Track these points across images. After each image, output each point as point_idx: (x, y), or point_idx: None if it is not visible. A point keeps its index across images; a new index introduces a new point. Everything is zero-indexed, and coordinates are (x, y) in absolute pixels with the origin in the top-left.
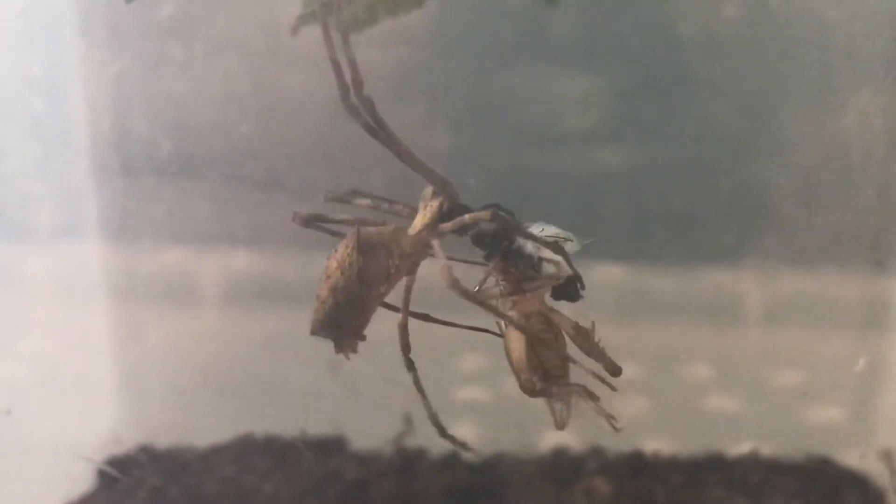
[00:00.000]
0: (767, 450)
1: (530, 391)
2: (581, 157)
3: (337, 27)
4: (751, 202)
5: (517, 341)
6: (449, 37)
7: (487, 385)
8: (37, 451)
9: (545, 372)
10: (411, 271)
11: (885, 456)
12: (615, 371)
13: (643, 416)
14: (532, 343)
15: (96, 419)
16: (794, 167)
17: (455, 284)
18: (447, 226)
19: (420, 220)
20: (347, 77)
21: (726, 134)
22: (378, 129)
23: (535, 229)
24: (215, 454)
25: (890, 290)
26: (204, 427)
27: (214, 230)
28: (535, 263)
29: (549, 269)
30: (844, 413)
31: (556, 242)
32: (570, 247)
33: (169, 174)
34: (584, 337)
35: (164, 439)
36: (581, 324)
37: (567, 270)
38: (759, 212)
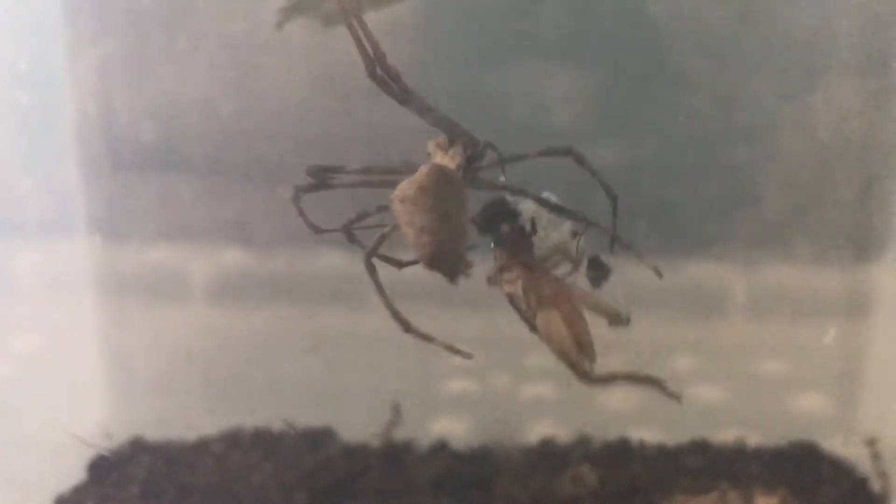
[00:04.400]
0: (752, 438)
1: (589, 380)
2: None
3: (322, 19)
4: (734, 194)
5: (557, 325)
6: (436, 32)
7: (476, 378)
8: (28, 446)
9: (584, 349)
10: None
11: (870, 443)
12: (623, 320)
13: (629, 406)
14: (569, 322)
15: (87, 414)
16: (776, 160)
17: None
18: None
19: (451, 163)
20: (370, 52)
21: (709, 127)
22: (406, 96)
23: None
24: (204, 447)
25: (871, 280)
26: (193, 420)
27: (203, 225)
28: (531, 233)
29: (552, 237)
30: (828, 401)
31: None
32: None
33: (157, 169)
34: (600, 302)
35: (153, 433)
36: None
37: (572, 246)
38: (742, 204)
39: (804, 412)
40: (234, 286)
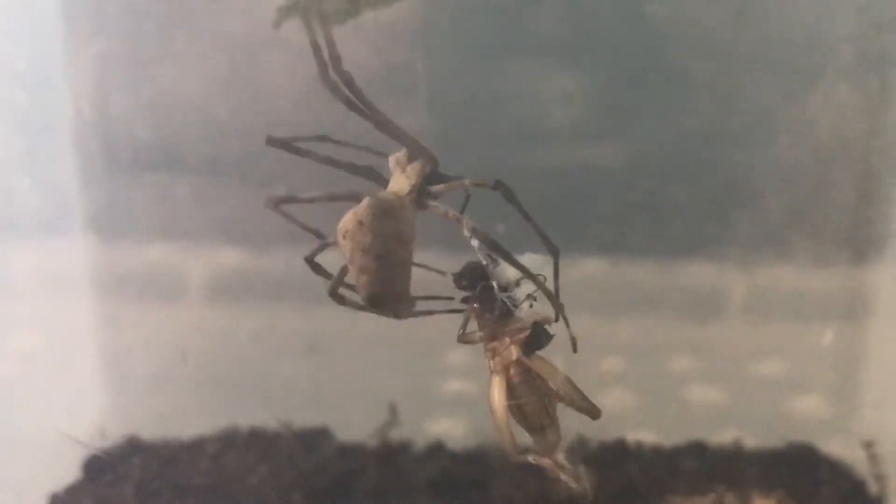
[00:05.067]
0: (750, 439)
1: (513, 457)
2: (565, 152)
3: (319, 19)
4: (731, 195)
5: (499, 396)
6: (434, 32)
7: (472, 378)
8: (22, 445)
9: (529, 425)
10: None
11: (867, 445)
12: (594, 414)
13: (626, 407)
14: (513, 395)
15: (82, 413)
16: (774, 160)
17: (475, 232)
18: (441, 187)
19: (406, 182)
20: (325, 56)
21: (707, 128)
22: (357, 103)
23: (523, 260)
24: (200, 446)
25: (870, 281)
26: (189, 420)
27: (200, 225)
28: (512, 303)
29: (526, 307)
30: (826, 402)
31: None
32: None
33: (154, 169)
34: (565, 382)
35: (149, 432)
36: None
37: (543, 313)
38: (739, 204)
39: (802, 414)
40: (231, 286)
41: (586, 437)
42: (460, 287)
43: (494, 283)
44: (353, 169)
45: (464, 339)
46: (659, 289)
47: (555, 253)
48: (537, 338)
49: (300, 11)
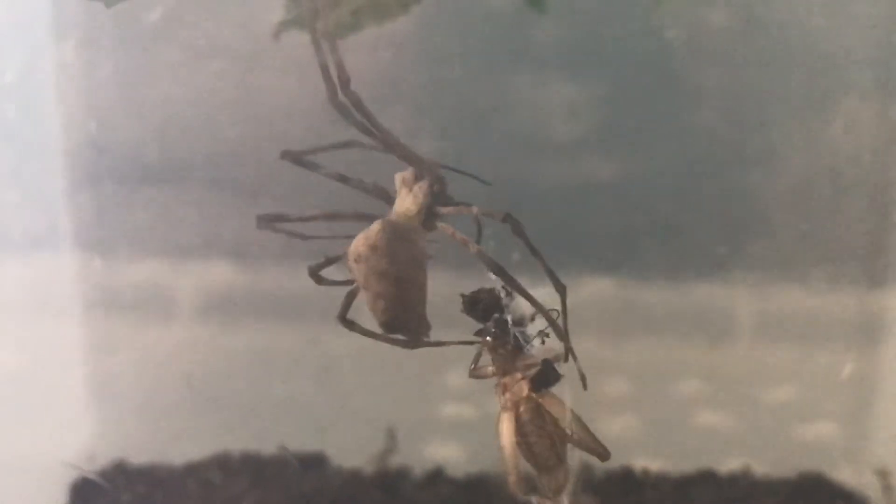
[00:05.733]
0: (759, 466)
1: (517, 496)
2: (569, 167)
3: (322, 32)
4: (741, 214)
5: (507, 432)
6: (436, 44)
7: (473, 402)
8: (7, 468)
9: (537, 464)
10: None
11: (880, 474)
12: (604, 456)
13: (632, 433)
14: (522, 433)
15: (70, 435)
16: (785, 178)
17: (482, 255)
18: (449, 209)
19: (413, 202)
20: (334, 76)
21: (716, 144)
22: (367, 125)
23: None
24: (192, 471)
25: (882, 304)
26: (181, 443)
27: (193, 240)
28: (525, 338)
29: (537, 343)
30: (837, 429)
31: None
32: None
33: (145, 183)
34: (575, 422)
35: (139, 456)
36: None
37: (555, 350)
38: (749, 224)
39: (814, 441)
40: (225, 304)
41: (591, 464)
42: (471, 313)
43: (509, 317)
44: (362, 186)
45: (475, 373)
46: (667, 311)
47: (562, 291)
48: (547, 375)
49: (304, 26)
